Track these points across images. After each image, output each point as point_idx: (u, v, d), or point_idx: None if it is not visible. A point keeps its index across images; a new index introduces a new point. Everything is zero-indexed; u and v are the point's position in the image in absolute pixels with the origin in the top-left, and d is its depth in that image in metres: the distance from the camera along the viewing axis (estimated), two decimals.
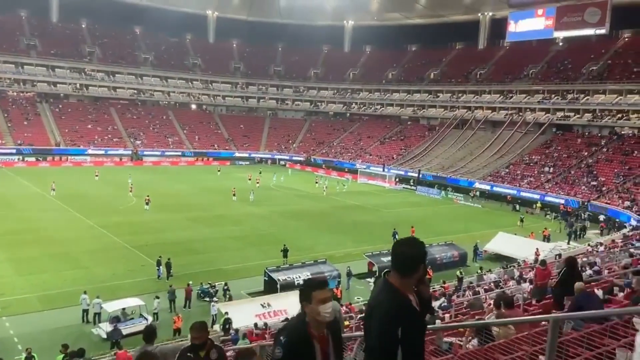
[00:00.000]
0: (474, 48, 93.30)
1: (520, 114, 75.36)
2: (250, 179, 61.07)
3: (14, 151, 69.30)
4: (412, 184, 65.99)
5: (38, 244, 30.94)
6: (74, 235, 33.77)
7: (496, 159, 68.29)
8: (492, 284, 21.68)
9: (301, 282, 24.86)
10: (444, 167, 69.43)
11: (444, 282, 24.87)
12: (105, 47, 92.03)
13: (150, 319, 20.96)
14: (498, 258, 32.82)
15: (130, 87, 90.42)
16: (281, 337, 3.15)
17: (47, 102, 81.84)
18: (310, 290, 3.21)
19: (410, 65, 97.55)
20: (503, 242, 34.07)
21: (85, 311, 21.37)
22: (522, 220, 45.05)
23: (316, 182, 62.64)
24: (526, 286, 16.86)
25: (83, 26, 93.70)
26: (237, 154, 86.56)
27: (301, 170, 79.43)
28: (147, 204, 43.39)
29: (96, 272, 26.83)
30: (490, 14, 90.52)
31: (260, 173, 65.87)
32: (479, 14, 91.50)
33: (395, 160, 76.11)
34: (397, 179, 67.93)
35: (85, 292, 21.67)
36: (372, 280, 27.17)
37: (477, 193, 59.34)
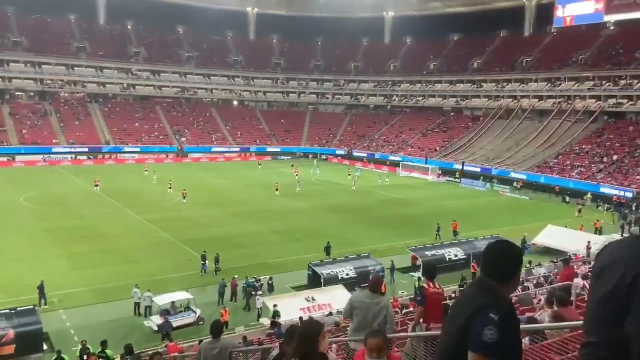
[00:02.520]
0: (519, 35, 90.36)
1: (569, 102, 72.56)
2: (297, 174, 61.62)
3: (66, 150, 72.33)
4: (456, 176, 64.77)
5: (90, 240, 32.22)
6: (124, 230, 35.00)
7: (544, 149, 66.05)
8: (541, 278, 21.02)
9: (344, 276, 24.92)
10: (489, 159, 67.75)
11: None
12: (150, 47, 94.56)
13: (198, 312, 21.50)
14: (547, 251, 31.83)
15: (174, 86, 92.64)
16: None
17: (97, 102, 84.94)
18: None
19: (453, 55, 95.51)
20: (552, 235, 33.00)
21: (137, 304, 22.13)
22: (580, 212, 43.71)
23: (349, 175, 62.56)
24: (579, 281, 16.25)
25: (129, 27, 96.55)
26: (278, 149, 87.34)
27: (341, 164, 79.30)
28: (184, 197, 44.71)
29: (146, 267, 27.73)
30: None
31: (292, 166, 66.97)
32: (524, 0, 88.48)
33: (438, 153, 74.86)
34: (440, 172, 66.85)
35: (137, 286, 22.44)
36: (416, 274, 26.89)
37: (520, 184, 57.64)
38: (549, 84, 76.93)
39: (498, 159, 66.71)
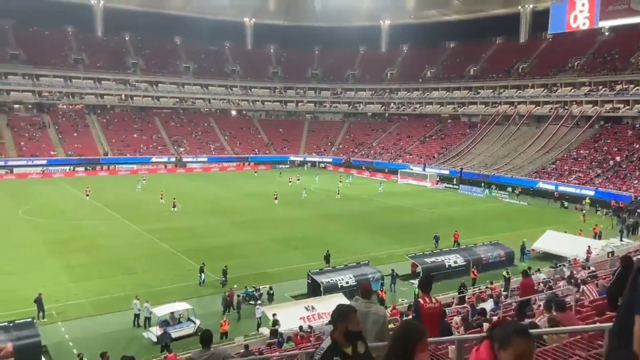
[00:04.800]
0: (515, 42, 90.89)
1: (566, 107, 72.85)
2: (294, 181, 62.47)
3: (64, 161, 72.27)
4: (454, 182, 64.84)
5: (89, 251, 32.14)
6: (122, 241, 34.90)
7: (542, 154, 66.21)
8: (541, 284, 20.98)
9: (344, 284, 24.84)
10: (487, 165, 67.87)
11: (491, 283, 24.29)
12: (148, 58, 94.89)
13: (198, 322, 21.40)
14: (547, 257, 31.79)
15: (172, 96, 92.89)
16: None
17: (95, 113, 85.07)
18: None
19: (449, 63, 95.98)
20: (552, 240, 32.98)
21: (137, 316, 22.01)
22: (584, 216, 43.78)
23: (340, 182, 63.09)
24: (571, 288, 16.21)
25: (126, 39, 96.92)
26: (276, 158, 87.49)
27: (336, 172, 79.39)
28: (174, 206, 44.75)
29: (145, 277, 27.63)
30: (531, 6, 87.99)
31: (280, 174, 68.11)
32: (519, 7, 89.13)
33: (436, 160, 74.98)
34: (438, 178, 66.93)
35: (137, 297, 22.35)
36: (415, 281, 26.80)
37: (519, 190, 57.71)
38: (546, 90, 77.24)
39: (496, 165, 66.82)
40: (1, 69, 79.39)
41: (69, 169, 71.18)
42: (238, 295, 24.03)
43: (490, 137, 76.07)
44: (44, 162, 70.56)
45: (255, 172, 76.40)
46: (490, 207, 51.83)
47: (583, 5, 67.44)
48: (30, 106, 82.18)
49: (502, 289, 22.73)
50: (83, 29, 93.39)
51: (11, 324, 18.56)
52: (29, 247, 32.88)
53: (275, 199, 50.37)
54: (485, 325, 11.47)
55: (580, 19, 69.09)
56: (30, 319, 19.29)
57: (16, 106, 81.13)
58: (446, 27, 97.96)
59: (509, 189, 58.03)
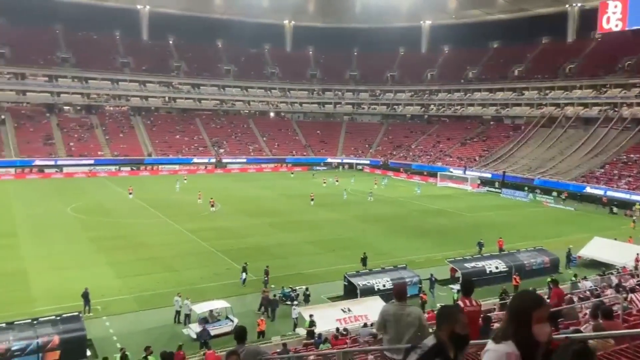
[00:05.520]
0: (562, 42, 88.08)
1: (616, 109, 70.00)
2: (325, 182, 63.81)
3: (110, 161, 74.79)
4: (496, 186, 63.33)
5: (134, 249, 33.11)
6: (165, 239, 35.77)
7: (590, 158, 63.83)
8: (587, 292, 20.20)
9: (381, 287, 24.62)
10: (531, 169, 65.96)
11: (535, 291, 23.54)
12: (190, 61, 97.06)
13: (236, 320, 21.66)
14: (594, 264, 30.58)
15: (213, 98, 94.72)
16: None
17: (140, 115, 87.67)
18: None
19: (492, 63, 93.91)
20: (599, 247, 31.67)
21: (178, 312, 22.48)
22: (634, 223, 42.11)
23: (375, 184, 62.94)
24: (618, 296, 15.51)
25: (170, 42, 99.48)
26: (314, 160, 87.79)
27: (372, 174, 78.89)
28: (212, 206, 45.55)
29: (185, 275, 28.21)
30: (579, 4, 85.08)
31: (313, 176, 66.81)
32: (567, 6, 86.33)
33: (478, 162, 73.43)
34: (480, 182, 65.54)
35: (178, 294, 22.83)
36: (455, 287, 26.31)
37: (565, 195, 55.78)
38: (594, 91, 74.48)
39: (541, 169, 64.84)
40: (52, 71, 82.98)
41: (115, 169, 73.59)
42: (274, 295, 24.20)
43: (535, 139, 73.90)
44: (92, 161, 73.25)
45: (292, 174, 76.99)
46: (534, 212, 50.34)
47: (615, 7, 65.38)
48: (79, 108, 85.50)
49: (546, 297, 22.01)
50: (129, 33, 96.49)
51: (58, 318, 19.29)
52: (77, 244, 34.15)
53: (312, 200, 50.52)
54: None
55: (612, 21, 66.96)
56: (76, 313, 19.98)
57: (66, 108, 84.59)
58: (490, 27, 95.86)
59: (555, 193, 56.21)
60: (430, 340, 3.18)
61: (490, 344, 2.47)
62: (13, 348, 17.77)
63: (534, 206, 53.88)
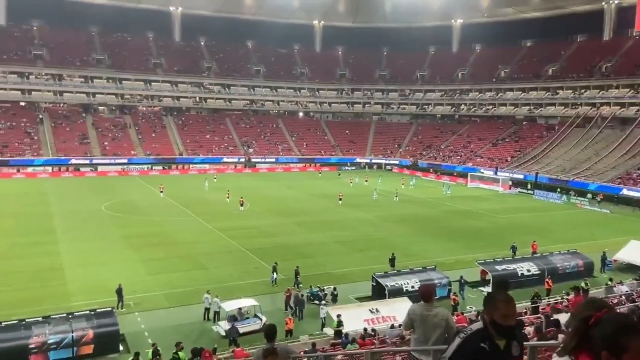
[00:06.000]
0: (598, 40, 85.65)
1: None
2: (352, 182, 64.19)
3: (143, 161, 76.43)
4: (528, 187, 62.02)
5: (164, 246, 33.73)
6: (195, 238, 36.33)
7: (626, 159, 61.86)
8: (623, 297, 19.60)
9: (409, 288, 24.41)
10: (565, 170, 64.34)
11: (568, 294, 22.95)
12: (221, 61, 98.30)
13: (264, 319, 21.83)
14: (630, 268, 29.67)
15: (243, 98, 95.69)
16: None
17: (171, 115, 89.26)
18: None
19: (525, 62, 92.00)
20: (636, 251, 30.68)
21: (207, 309, 22.80)
22: None
23: (402, 184, 62.51)
24: None
25: (201, 43, 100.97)
26: (342, 160, 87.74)
27: (403, 175, 78.28)
28: (241, 205, 46.09)
29: (215, 273, 28.59)
30: (616, 2, 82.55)
31: (339, 175, 66.36)
32: (603, 3, 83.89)
33: (510, 163, 72.05)
34: (511, 183, 64.29)
35: (208, 292, 23.13)
36: (485, 289, 25.90)
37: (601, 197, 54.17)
38: (632, 91, 72.13)
39: (575, 170, 63.20)
40: (88, 72, 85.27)
41: (147, 168, 75.13)
42: (302, 295, 24.29)
43: (570, 140, 72.07)
44: (125, 160, 74.99)
45: (320, 173, 77.20)
46: (568, 214, 49.11)
47: None
48: (113, 108, 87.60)
49: None
50: (162, 35, 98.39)
51: (93, 313, 19.83)
52: (111, 241, 35.01)
53: (340, 199, 50.50)
54: (561, 337, 10.84)
55: None
56: (110, 309, 20.51)
57: (100, 108, 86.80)
58: (523, 25, 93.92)
59: (589, 195, 54.70)
60: (476, 325, 2.97)
61: (554, 357, 2.24)
62: (49, 341, 18.36)
63: (568, 208, 52.57)
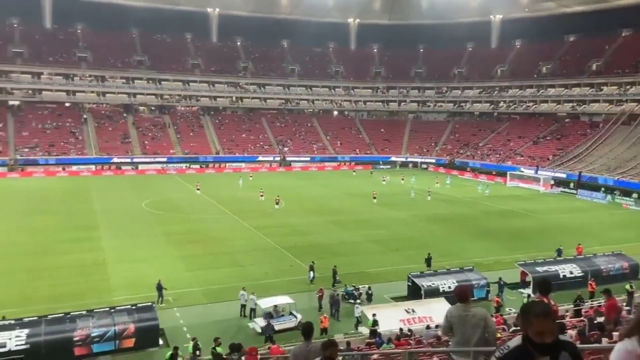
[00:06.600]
0: None
1: None
2: (384, 180, 64.43)
3: (181, 159, 78.05)
4: (571, 187, 60.12)
5: (202, 243, 34.34)
6: (231, 235, 36.85)
7: None
8: None
9: (446, 289, 24.04)
10: (610, 169, 62.05)
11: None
12: (257, 61, 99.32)
13: (299, 317, 21.93)
14: None
15: (278, 98, 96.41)
16: None
17: (209, 114, 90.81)
18: None
19: (568, 58, 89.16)
20: None
21: (243, 306, 23.08)
22: None
23: (436, 183, 61.60)
24: None
25: (238, 44, 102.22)
26: (377, 158, 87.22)
27: (438, 174, 77.13)
28: (277, 203, 46.38)
29: (250, 270, 28.92)
30: None
31: (371, 174, 67.90)
32: None
33: (551, 162, 70.01)
34: (553, 182, 62.46)
35: (243, 289, 23.44)
36: (525, 291, 25.25)
37: None
38: None
39: (621, 169, 60.87)
40: (129, 74, 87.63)
41: (185, 166, 76.69)
42: (337, 294, 24.28)
43: (615, 138, 69.46)
44: (164, 159, 76.78)
45: (354, 172, 77.03)
46: (613, 215, 47.39)
47: None
48: (153, 108, 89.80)
49: (625, 304, 20.62)
50: (200, 35, 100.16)
51: (134, 307, 20.40)
52: (152, 237, 35.89)
53: (374, 198, 50.22)
54: (605, 341, 10.45)
55: None
56: (150, 303, 21.04)
57: (141, 108, 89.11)
58: (565, 20, 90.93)
59: (635, 195, 52.58)
60: (514, 341, 2.77)
61: (619, 341, 2.25)
62: (93, 334, 19.00)
63: (612, 208, 50.72)
